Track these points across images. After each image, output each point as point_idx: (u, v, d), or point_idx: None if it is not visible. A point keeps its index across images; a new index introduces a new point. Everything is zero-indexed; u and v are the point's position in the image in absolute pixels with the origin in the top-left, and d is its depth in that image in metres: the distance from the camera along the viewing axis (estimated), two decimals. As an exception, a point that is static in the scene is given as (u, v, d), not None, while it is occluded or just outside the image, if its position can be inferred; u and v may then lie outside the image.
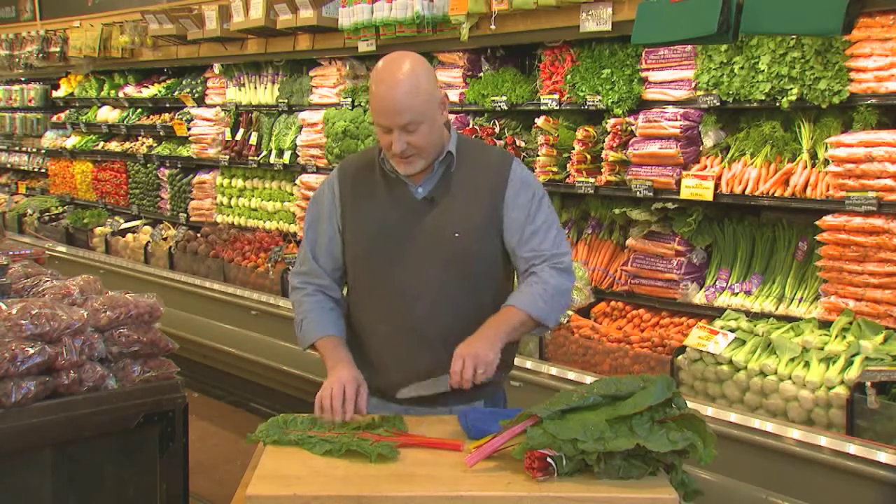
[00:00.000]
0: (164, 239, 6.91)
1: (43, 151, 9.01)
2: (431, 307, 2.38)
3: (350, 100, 5.62)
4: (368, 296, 2.47)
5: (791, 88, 3.61)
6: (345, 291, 2.61)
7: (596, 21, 4.06)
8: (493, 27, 4.41)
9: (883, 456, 2.89)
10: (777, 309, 3.76)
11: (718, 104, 3.88)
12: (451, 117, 4.97)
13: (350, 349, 2.51)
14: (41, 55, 8.14)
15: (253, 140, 6.34)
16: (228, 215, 6.71)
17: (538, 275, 2.38)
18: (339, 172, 2.53)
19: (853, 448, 2.97)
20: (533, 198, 2.43)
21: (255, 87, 6.41)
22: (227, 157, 6.50)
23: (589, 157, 4.35)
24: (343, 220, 2.47)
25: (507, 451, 2.02)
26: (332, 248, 2.49)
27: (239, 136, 6.47)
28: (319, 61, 5.85)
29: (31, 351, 2.31)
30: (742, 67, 3.77)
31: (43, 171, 9.19)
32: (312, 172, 5.85)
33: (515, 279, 2.53)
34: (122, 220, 7.70)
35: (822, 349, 3.35)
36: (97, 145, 8.10)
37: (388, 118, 2.26)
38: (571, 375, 3.85)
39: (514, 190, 2.41)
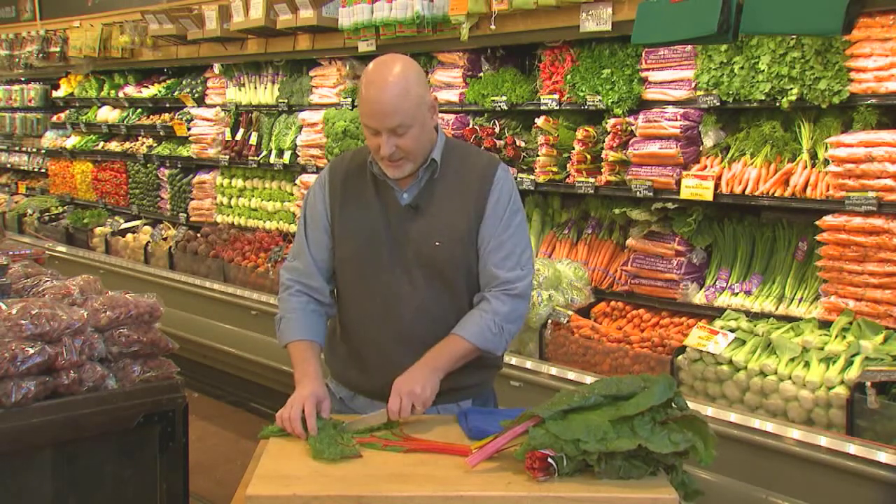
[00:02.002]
0: (164, 239, 6.91)
1: (43, 151, 9.01)
2: (415, 312, 2.39)
3: (350, 100, 5.62)
4: (355, 299, 2.47)
5: (791, 88, 3.61)
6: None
7: (596, 21, 4.06)
8: (493, 27, 4.41)
9: (883, 456, 2.89)
10: (777, 309, 3.76)
11: (718, 104, 3.88)
12: (451, 117, 4.98)
13: (340, 349, 2.52)
14: (41, 55, 8.13)
15: (253, 140, 6.34)
16: (228, 215, 6.71)
17: (490, 301, 2.37)
18: (329, 171, 2.51)
19: (853, 448, 2.97)
20: (510, 212, 2.40)
21: (255, 87, 6.41)
22: (227, 157, 6.50)
23: (589, 157, 4.35)
24: (332, 220, 2.46)
25: (507, 452, 2.02)
26: (322, 246, 2.48)
27: (239, 136, 6.47)
28: (319, 61, 5.85)
29: (31, 351, 2.31)
30: (742, 67, 3.77)
31: (43, 171, 9.19)
32: (312, 172, 5.84)
33: None
34: (122, 220, 7.70)
35: (822, 349, 3.35)
36: (97, 145, 8.10)
37: (377, 121, 2.25)
38: (571, 375, 3.85)
39: (494, 199, 2.39)
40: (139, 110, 7.73)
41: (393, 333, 2.40)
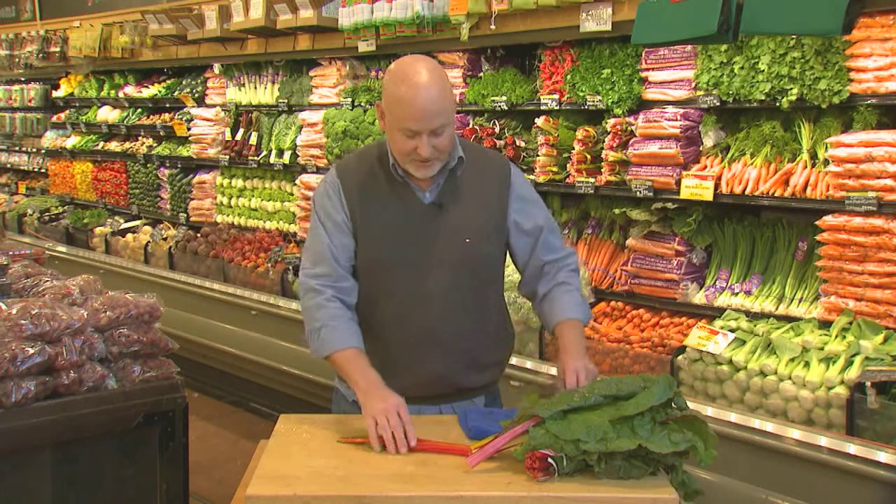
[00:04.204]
0: (164, 239, 6.91)
1: (43, 151, 9.01)
2: (444, 310, 2.38)
3: (350, 100, 5.62)
4: (380, 300, 2.43)
5: (791, 88, 3.61)
6: None
7: (596, 21, 4.06)
8: (493, 27, 4.41)
9: (883, 456, 2.89)
10: (777, 309, 3.76)
11: (718, 104, 3.88)
12: (452, 117, 4.98)
13: None
14: (41, 55, 8.14)
15: (253, 140, 6.34)
16: (228, 215, 6.71)
17: (568, 283, 2.48)
18: (339, 177, 2.45)
19: (853, 448, 2.97)
20: (536, 203, 2.50)
21: (255, 87, 6.41)
22: (227, 157, 6.51)
23: (589, 157, 4.35)
24: (354, 225, 2.41)
25: (507, 452, 2.02)
26: (348, 250, 2.42)
27: (239, 136, 6.47)
28: (319, 61, 5.86)
29: (31, 351, 2.31)
30: (742, 67, 3.77)
31: (43, 171, 9.19)
32: (312, 172, 5.85)
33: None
34: (122, 220, 7.70)
35: (822, 349, 3.35)
36: (97, 145, 8.10)
37: (421, 123, 2.22)
38: (571, 375, 3.85)
39: (518, 195, 2.45)
40: (139, 110, 7.73)
41: (421, 333, 2.39)
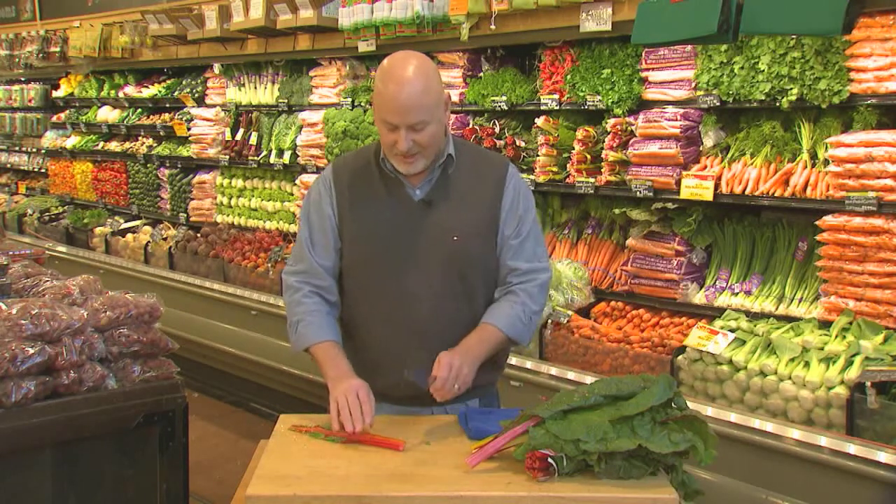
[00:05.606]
0: (164, 239, 6.92)
1: (43, 151, 9.01)
2: (433, 308, 2.38)
3: (350, 100, 5.62)
4: (368, 297, 2.46)
5: (791, 88, 3.61)
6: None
7: (596, 21, 4.06)
8: (493, 27, 4.42)
9: (883, 456, 2.89)
10: (777, 309, 3.76)
11: (718, 104, 3.88)
12: (451, 117, 4.98)
13: (346, 350, 2.50)
14: (41, 55, 8.14)
15: (253, 140, 6.34)
16: (228, 215, 6.71)
17: (517, 293, 2.42)
18: (333, 172, 2.49)
19: (853, 448, 2.97)
20: (525, 209, 2.46)
21: (255, 87, 6.41)
22: (227, 157, 6.51)
23: (589, 157, 4.35)
24: (341, 220, 2.45)
25: (507, 452, 2.02)
26: (329, 247, 2.46)
27: (239, 136, 6.47)
28: (319, 61, 5.86)
29: (31, 351, 2.31)
30: (742, 67, 3.77)
31: (43, 171, 9.19)
32: (312, 172, 5.85)
33: None
34: (122, 220, 7.70)
35: (822, 349, 3.35)
36: (97, 145, 8.10)
37: (397, 116, 2.24)
38: (571, 375, 3.85)
39: (510, 198, 2.44)
40: (139, 110, 7.73)
41: (409, 332, 2.40)
